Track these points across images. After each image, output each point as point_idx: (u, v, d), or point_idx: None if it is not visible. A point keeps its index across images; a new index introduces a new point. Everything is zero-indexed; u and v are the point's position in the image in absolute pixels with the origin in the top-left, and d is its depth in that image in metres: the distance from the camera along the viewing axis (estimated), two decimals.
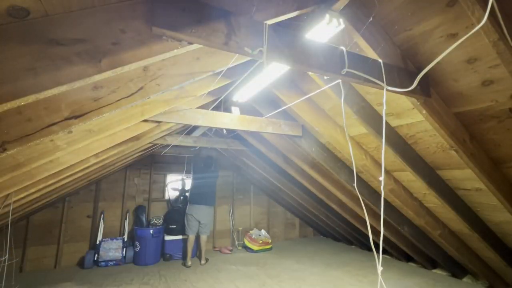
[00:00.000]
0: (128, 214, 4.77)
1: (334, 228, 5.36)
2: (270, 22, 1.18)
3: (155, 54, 0.95)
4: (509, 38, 1.21)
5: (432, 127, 1.90)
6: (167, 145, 3.93)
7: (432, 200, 2.84)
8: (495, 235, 2.79)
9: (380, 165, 2.88)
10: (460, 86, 1.70)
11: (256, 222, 5.92)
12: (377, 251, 1.38)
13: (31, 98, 0.79)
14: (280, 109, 2.84)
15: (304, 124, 3.11)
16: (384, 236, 4.08)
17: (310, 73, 2.01)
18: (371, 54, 1.57)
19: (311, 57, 1.27)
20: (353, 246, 5.39)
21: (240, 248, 5.39)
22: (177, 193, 5.10)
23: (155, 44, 0.93)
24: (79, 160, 2.06)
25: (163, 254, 4.54)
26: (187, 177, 5.27)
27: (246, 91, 2.37)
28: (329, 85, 1.97)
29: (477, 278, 3.52)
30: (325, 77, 1.99)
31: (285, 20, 1.30)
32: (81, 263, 4.23)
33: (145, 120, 2.25)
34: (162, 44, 0.95)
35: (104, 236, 4.46)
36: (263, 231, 5.52)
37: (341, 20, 1.40)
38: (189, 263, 4.21)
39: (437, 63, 1.15)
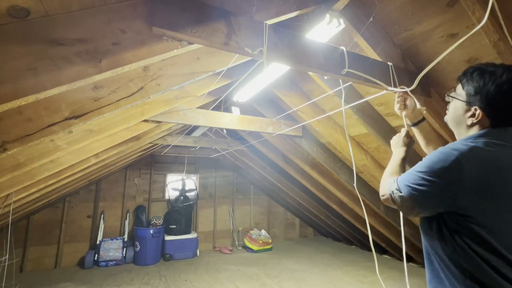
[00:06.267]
0: (128, 214, 4.77)
1: (334, 228, 5.36)
2: (270, 22, 1.18)
3: (155, 54, 0.95)
4: (509, 38, 1.20)
5: (433, 127, 1.90)
6: (167, 145, 3.93)
7: None
8: None
9: (380, 165, 2.88)
10: None
11: (256, 222, 5.92)
12: (377, 252, 1.37)
13: (31, 98, 0.79)
14: (284, 114, 2.85)
15: (304, 124, 3.11)
16: (384, 236, 4.08)
17: (310, 73, 2.01)
18: (372, 54, 1.57)
19: (311, 57, 1.27)
20: (353, 246, 5.38)
21: (240, 248, 5.39)
22: (177, 193, 5.10)
23: (155, 44, 0.93)
24: (79, 160, 2.06)
25: (163, 254, 4.54)
26: (187, 177, 5.28)
27: (246, 91, 2.37)
28: (334, 90, 1.97)
29: None
30: (326, 77, 1.99)
31: (285, 20, 1.30)
32: (81, 263, 4.23)
33: (145, 120, 2.25)
34: (162, 44, 0.95)
35: (104, 236, 4.46)
36: (263, 231, 5.52)
37: (341, 20, 1.40)
38: None
39: (438, 63, 1.15)
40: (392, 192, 0.84)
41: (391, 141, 1.18)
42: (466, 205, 0.69)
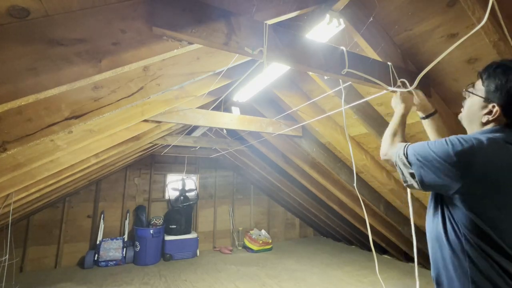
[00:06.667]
0: (128, 214, 4.77)
1: (334, 228, 5.36)
2: (270, 22, 1.18)
3: (155, 54, 0.94)
4: (509, 38, 1.20)
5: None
6: (167, 145, 3.93)
7: None
8: None
9: (380, 165, 2.88)
10: (461, 86, 1.70)
11: (256, 222, 5.92)
12: (377, 252, 1.37)
13: (31, 98, 0.79)
14: (284, 113, 2.85)
15: (304, 124, 3.11)
16: (384, 236, 4.08)
17: (310, 73, 2.01)
18: (372, 54, 1.57)
19: (311, 57, 1.27)
20: (353, 246, 5.38)
21: (240, 248, 5.39)
22: (177, 193, 5.10)
23: (155, 44, 0.93)
24: (79, 160, 2.06)
25: (163, 254, 4.55)
26: (187, 177, 5.28)
27: (246, 91, 2.37)
28: (334, 90, 1.97)
29: None
30: (326, 77, 1.99)
31: (285, 20, 1.30)
32: (81, 263, 4.23)
33: (145, 120, 2.25)
34: (162, 44, 0.95)
35: (104, 236, 4.46)
36: (263, 231, 5.52)
37: (341, 20, 1.40)
38: None
39: (438, 63, 1.15)
40: (399, 156, 0.84)
41: (391, 103, 1.23)
42: (470, 192, 0.69)
